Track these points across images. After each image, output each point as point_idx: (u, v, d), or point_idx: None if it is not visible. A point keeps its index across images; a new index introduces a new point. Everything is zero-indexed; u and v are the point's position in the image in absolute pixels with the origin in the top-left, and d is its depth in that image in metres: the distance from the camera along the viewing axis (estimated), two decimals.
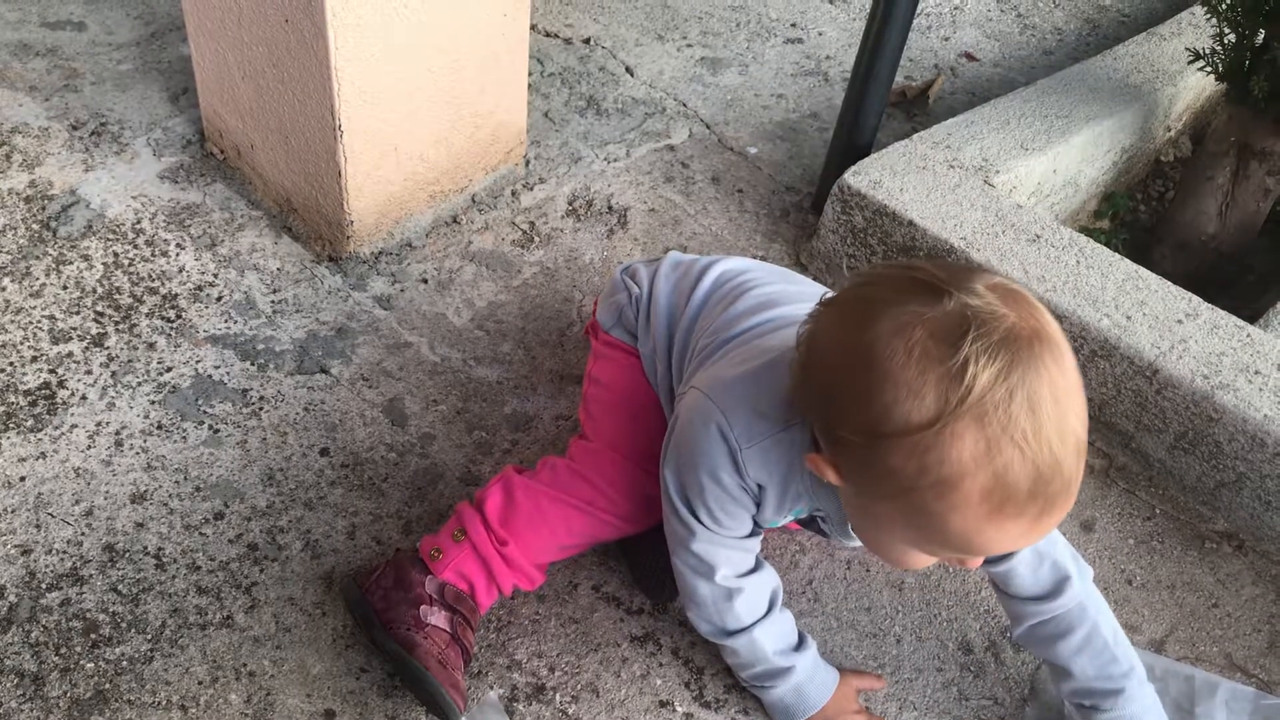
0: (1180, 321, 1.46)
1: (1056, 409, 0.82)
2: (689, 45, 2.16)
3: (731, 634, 1.16)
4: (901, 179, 1.62)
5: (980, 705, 1.25)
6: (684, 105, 1.99)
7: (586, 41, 2.11)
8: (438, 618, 1.14)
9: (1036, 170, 1.74)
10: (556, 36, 2.11)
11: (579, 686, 1.21)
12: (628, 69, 2.05)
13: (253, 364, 1.47)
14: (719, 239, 1.75)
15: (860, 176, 1.62)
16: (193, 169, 1.73)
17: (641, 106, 1.97)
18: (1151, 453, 1.47)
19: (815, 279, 1.67)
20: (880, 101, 1.71)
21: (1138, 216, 2.00)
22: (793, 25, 2.27)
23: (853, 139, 1.73)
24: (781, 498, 1.08)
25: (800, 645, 1.18)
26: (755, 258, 1.72)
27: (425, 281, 1.62)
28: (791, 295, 1.23)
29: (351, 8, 1.37)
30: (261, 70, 1.52)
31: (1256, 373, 1.41)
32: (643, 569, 1.28)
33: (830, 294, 1.00)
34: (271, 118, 1.56)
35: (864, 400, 0.85)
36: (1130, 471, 1.50)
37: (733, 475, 1.06)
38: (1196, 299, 1.50)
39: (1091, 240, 1.57)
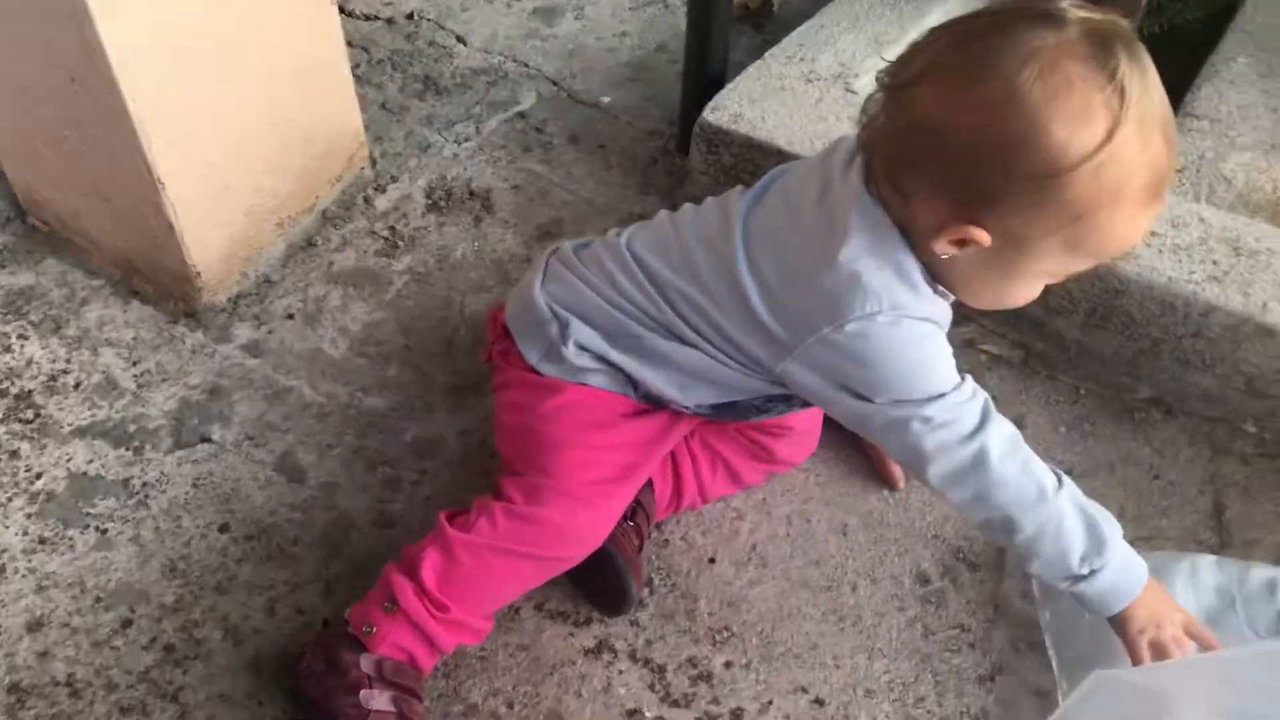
0: None
1: (1160, 86, 0.91)
2: None
3: (1055, 491, 1.04)
4: (761, 106, 1.55)
5: (948, 637, 1.23)
6: (526, 65, 1.89)
7: (410, 17, 1.98)
8: (380, 700, 1.07)
9: None
10: (376, 19, 1.99)
11: (542, 715, 1.16)
12: (459, 38, 1.94)
13: (128, 449, 1.37)
14: (591, 203, 1.67)
15: (719, 112, 1.55)
16: (18, 248, 1.59)
17: (482, 76, 1.87)
18: (1066, 334, 1.45)
19: None
20: (724, 22, 1.63)
21: None
22: None
23: (704, 69, 1.64)
24: None
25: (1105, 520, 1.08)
26: (631, 215, 1.65)
27: (292, 317, 1.52)
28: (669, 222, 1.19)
29: (138, 51, 1.25)
30: (61, 135, 1.39)
31: (1154, 235, 1.38)
32: (591, 585, 1.23)
33: (888, 77, 0.98)
34: (87, 182, 1.44)
35: (1029, 146, 0.88)
36: (1048, 357, 1.47)
37: (935, 324, 1.03)
38: None
39: None
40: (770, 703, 1.18)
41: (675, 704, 1.17)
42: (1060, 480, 1.06)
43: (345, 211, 1.64)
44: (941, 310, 1.05)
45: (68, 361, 1.46)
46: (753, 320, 1.07)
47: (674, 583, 1.26)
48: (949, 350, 1.05)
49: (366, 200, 1.66)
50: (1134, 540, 1.28)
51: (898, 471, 1.34)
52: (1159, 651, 1.07)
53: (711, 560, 1.28)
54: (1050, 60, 0.88)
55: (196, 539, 1.29)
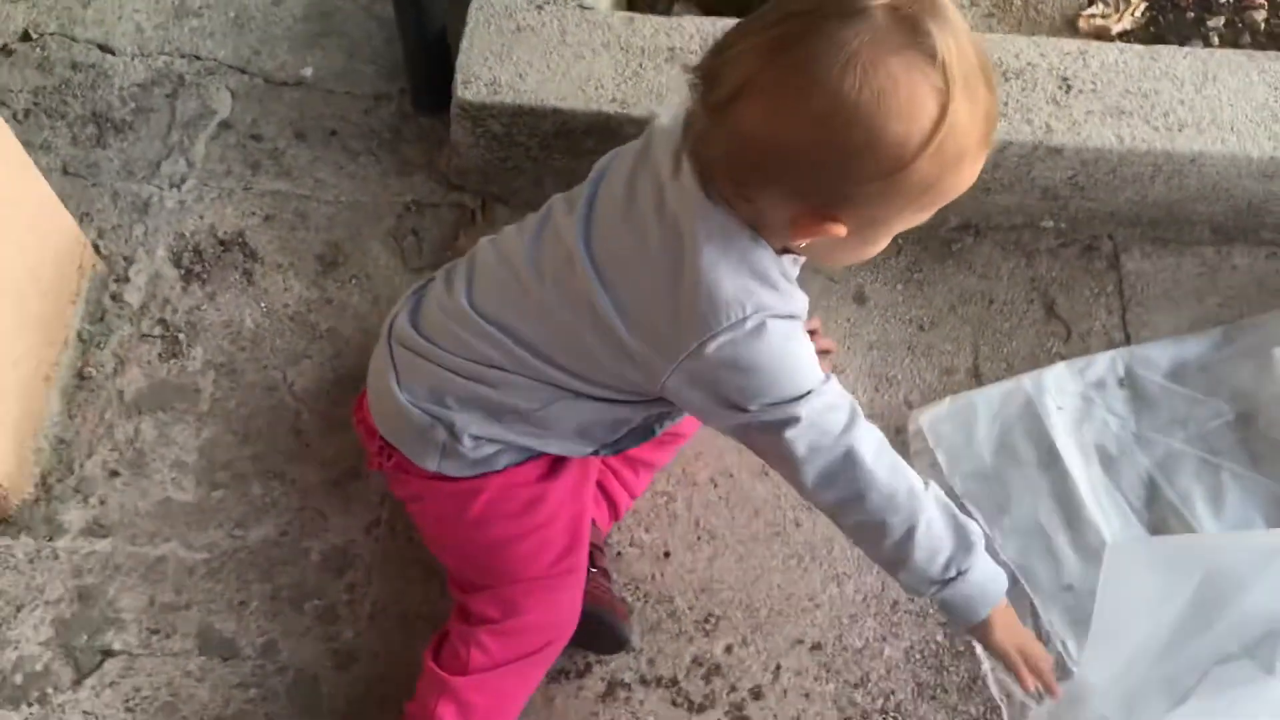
0: None
1: (968, 30, 0.91)
2: None
3: (923, 491, 1.06)
4: (511, 61, 1.43)
5: None
6: (197, 58, 1.62)
7: (26, 38, 1.63)
8: None
9: None
10: None
11: None
12: (102, 47, 1.63)
13: (29, 704, 1.22)
14: (357, 208, 1.52)
15: (473, 85, 1.41)
16: None
17: (155, 89, 1.60)
18: None
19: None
20: None
21: None
22: None
23: (424, 23, 1.48)
24: None
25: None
26: (407, 206, 1.52)
27: (116, 474, 1.34)
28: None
29: None
30: None
31: None
32: (584, 643, 1.23)
33: (704, 93, 0.94)
34: None
35: (870, 150, 0.88)
36: None
37: (797, 319, 1.03)
38: None
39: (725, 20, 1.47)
40: (779, 667, 1.27)
41: (701, 709, 1.24)
42: (926, 483, 1.08)
43: (102, 325, 1.43)
44: (801, 302, 1.05)
45: None
46: (623, 349, 1.04)
47: (645, 591, 1.30)
48: (812, 347, 1.05)
49: (115, 299, 1.45)
50: (997, 374, 1.43)
51: None
52: (1031, 661, 1.11)
53: (666, 554, 1.32)
54: (869, 61, 0.86)
55: None
